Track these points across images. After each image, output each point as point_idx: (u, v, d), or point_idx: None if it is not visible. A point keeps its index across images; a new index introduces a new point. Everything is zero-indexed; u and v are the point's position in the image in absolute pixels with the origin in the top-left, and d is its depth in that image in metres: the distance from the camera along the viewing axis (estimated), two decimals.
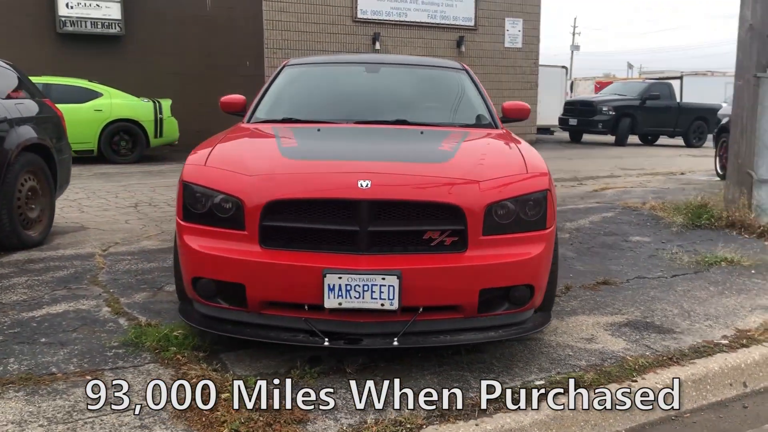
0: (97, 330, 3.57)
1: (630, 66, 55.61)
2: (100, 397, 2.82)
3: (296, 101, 4.61)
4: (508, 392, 2.99)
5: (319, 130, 4.00)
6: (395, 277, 2.93)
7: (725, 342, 3.72)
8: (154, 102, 13.05)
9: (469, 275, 3.05)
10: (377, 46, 17.48)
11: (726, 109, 11.73)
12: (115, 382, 2.94)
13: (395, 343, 3.01)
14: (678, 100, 20.93)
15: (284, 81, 4.72)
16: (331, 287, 2.94)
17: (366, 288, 2.95)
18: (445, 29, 18.57)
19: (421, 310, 3.06)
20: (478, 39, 19.14)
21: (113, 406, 2.75)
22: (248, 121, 4.43)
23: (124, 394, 2.85)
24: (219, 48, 16.71)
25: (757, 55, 6.67)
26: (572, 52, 59.81)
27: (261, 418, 2.67)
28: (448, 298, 3.08)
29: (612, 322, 3.95)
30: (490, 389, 2.99)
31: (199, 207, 3.20)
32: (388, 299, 2.96)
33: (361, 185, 3.01)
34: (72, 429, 2.58)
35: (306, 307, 3.09)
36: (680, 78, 23.85)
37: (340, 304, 2.97)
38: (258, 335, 3.13)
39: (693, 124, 20.50)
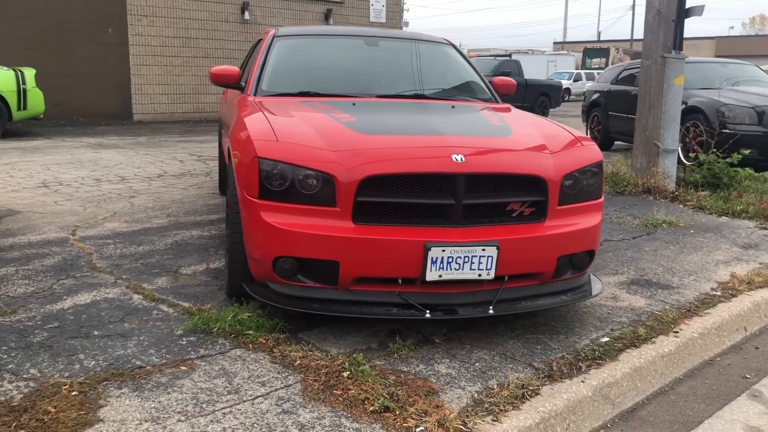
0: (146, 319, 3.33)
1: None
2: (215, 386, 2.69)
3: (307, 74, 4.49)
4: (587, 350, 3.23)
5: (354, 104, 3.95)
6: (494, 247, 3.04)
7: (719, 293, 4.21)
8: (15, 71, 11.78)
9: (552, 243, 3.23)
10: (246, 15, 16.99)
11: (595, 85, 12.80)
12: (217, 371, 2.80)
13: (491, 311, 3.13)
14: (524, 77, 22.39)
15: (283, 53, 4.56)
16: (434, 260, 2.99)
17: (467, 259, 3.03)
18: (313, 1, 18.41)
19: (506, 278, 3.19)
20: (345, 12, 19.19)
21: (239, 394, 2.63)
22: (255, 94, 4.25)
23: (240, 381, 2.73)
24: (75, 11, 15.33)
25: (663, 38, 7.40)
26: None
27: (400, 392, 2.68)
28: (533, 265, 3.24)
29: (619, 282, 4.32)
30: (570, 349, 3.21)
31: (279, 184, 3.09)
32: (486, 269, 3.07)
33: (456, 159, 3.07)
34: (215, 420, 2.45)
35: (400, 281, 3.11)
36: (509, 56, 25.49)
37: (440, 276, 3.03)
38: (351, 311, 3.10)
39: (538, 99, 22.01)
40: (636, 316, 3.73)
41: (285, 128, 3.34)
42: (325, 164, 3.05)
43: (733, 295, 4.21)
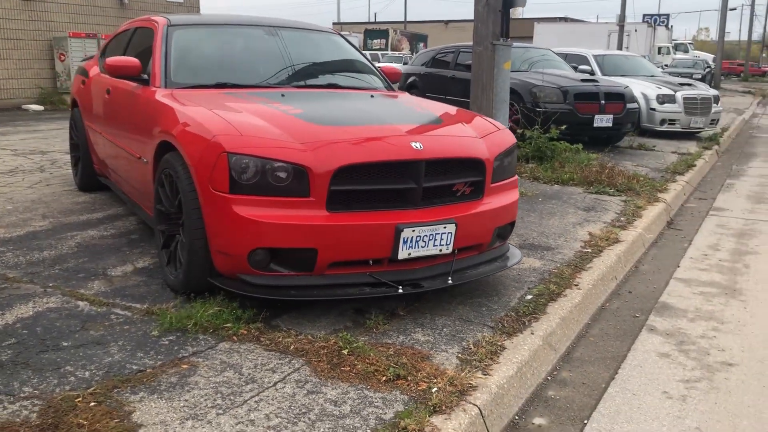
0: (110, 324, 3.23)
1: None
2: (228, 379, 2.76)
3: (217, 65, 4.45)
4: (522, 307, 3.74)
5: (283, 95, 4.05)
6: (453, 224, 3.40)
7: (589, 251, 4.98)
8: None
9: (491, 217, 3.67)
10: None
11: (410, 68, 13.60)
12: (220, 364, 2.87)
13: (450, 281, 3.50)
14: None
15: (184, 43, 4.48)
16: (405, 240, 3.29)
17: (431, 237, 3.37)
18: None
19: (456, 251, 3.58)
20: None
21: (257, 383, 2.74)
22: (165, 86, 4.17)
23: (248, 371, 2.83)
24: None
25: (492, 26, 8.20)
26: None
27: (404, 360, 2.96)
28: (477, 238, 3.66)
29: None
30: (508, 308, 3.70)
31: (250, 178, 3.17)
32: (446, 244, 3.43)
33: (416, 146, 3.37)
34: (253, 408, 2.55)
35: (371, 261, 3.36)
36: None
37: (409, 254, 3.34)
38: (328, 295, 3.29)
39: None
40: (540, 276, 4.32)
41: (242, 122, 3.39)
42: (296, 156, 3.19)
43: (600, 251, 4.99)
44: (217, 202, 3.21)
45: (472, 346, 3.20)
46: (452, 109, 4.36)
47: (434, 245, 3.39)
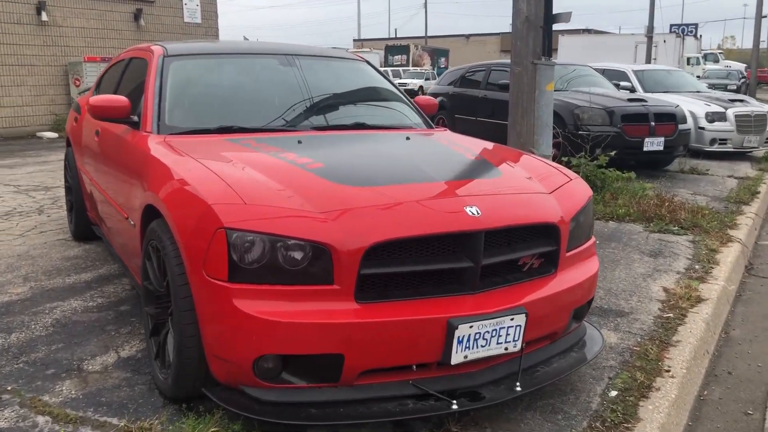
0: None
1: (246, 39, 57.11)
2: None
3: (221, 104, 3.69)
4: (607, 411, 2.90)
5: (300, 141, 3.27)
6: (523, 315, 2.58)
7: (671, 315, 4.11)
8: None
9: (569, 298, 2.85)
10: (44, 17, 14.98)
11: (437, 88, 12.81)
12: None
13: (518, 388, 2.67)
14: None
15: (182, 78, 3.72)
16: (461, 339, 2.48)
17: (494, 333, 2.55)
18: (120, 1, 16.73)
19: (524, 345, 2.75)
20: (157, 12, 17.73)
21: None
22: (158, 132, 3.41)
23: None
24: None
25: (533, 44, 7.39)
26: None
27: None
28: (551, 325, 2.84)
29: None
30: (591, 414, 2.87)
31: (255, 261, 2.39)
32: (513, 341, 2.61)
33: (471, 212, 2.56)
34: None
35: (414, 367, 2.56)
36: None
37: (466, 357, 2.53)
38: (360, 415, 2.48)
39: None
40: (621, 357, 3.48)
41: (247, 183, 2.61)
42: (316, 230, 2.40)
43: (683, 315, 4.13)
44: (213, 294, 2.43)
45: None
46: (508, 152, 3.56)
47: (498, 343, 2.57)
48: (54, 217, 6.44)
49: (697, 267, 5.12)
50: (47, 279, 4.42)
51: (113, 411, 2.76)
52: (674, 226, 6.28)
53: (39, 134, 14.47)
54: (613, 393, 3.08)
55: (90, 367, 3.13)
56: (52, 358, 3.22)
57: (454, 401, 2.52)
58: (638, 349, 3.58)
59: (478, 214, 2.56)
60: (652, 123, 8.88)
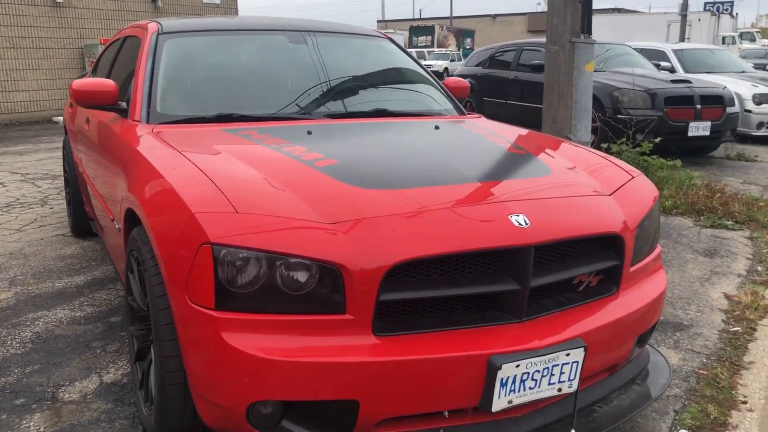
0: None
1: None
2: None
3: (221, 88, 3.21)
4: None
5: (310, 132, 2.77)
6: (581, 349, 2.07)
7: (738, 329, 3.58)
8: None
9: (633, 322, 2.33)
10: None
11: (465, 69, 12.21)
12: None
13: None
14: None
15: (177, 58, 3.24)
16: (504, 381, 1.98)
17: (546, 372, 2.05)
18: None
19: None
20: None
21: None
22: (148, 121, 2.94)
23: None
24: None
25: (571, 21, 6.80)
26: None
27: None
28: (612, 358, 2.33)
29: None
30: None
31: (248, 283, 1.91)
32: (568, 380, 2.10)
33: (518, 222, 2.05)
34: None
35: (446, 413, 2.07)
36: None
37: (510, 402, 2.03)
38: None
39: None
40: (686, 383, 2.96)
41: (240, 187, 2.13)
42: (324, 247, 1.91)
43: (752, 328, 3.60)
44: (197, 324, 1.96)
45: None
46: (553, 143, 3.03)
47: (550, 384, 2.07)
48: (57, 209, 6.05)
49: (759, 269, 4.56)
50: (36, 283, 4.00)
51: None
52: (728, 220, 5.70)
53: (55, 119, 14.15)
54: None
55: (66, 396, 2.69)
56: (24, 384, 2.78)
57: None
58: (705, 373, 3.07)
59: (526, 224, 2.05)
60: (698, 106, 8.24)
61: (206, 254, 1.92)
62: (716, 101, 8.41)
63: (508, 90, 10.40)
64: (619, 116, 8.01)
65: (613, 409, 2.34)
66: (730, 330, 3.55)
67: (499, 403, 2.00)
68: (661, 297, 2.48)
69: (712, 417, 2.67)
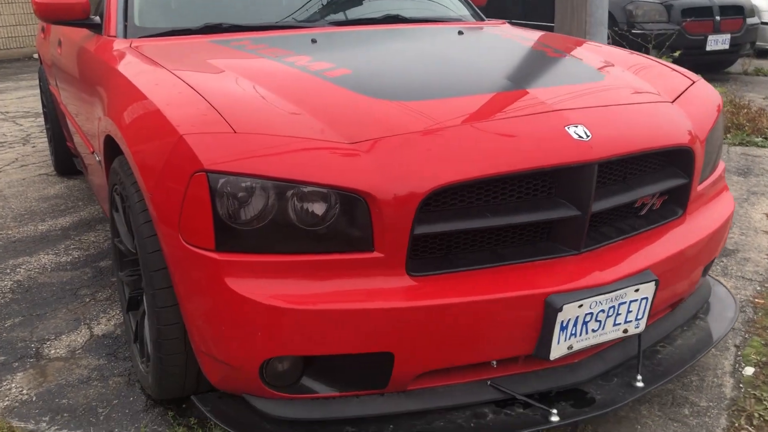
0: None
1: None
2: None
3: None
4: (748, 399, 2.11)
5: (314, 40, 2.37)
6: (652, 283, 1.75)
7: None
8: None
9: (702, 250, 2.00)
10: None
11: None
12: None
13: (639, 383, 1.87)
14: None
15: None
16: (565, 324, 1.66)
17: (612, 311, 1.72)
18: None
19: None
20: None
21: None
22: (125, 35, 2.54)
23: None
24: None
25: None
26: None
27: None
28: (680, 290, 2.01)
29: None
30: (726, 404, 2.08)
31: (254, 219, 1.56)
32: (636, 320, 1.79)
33: (578, 135, 1.69)
34: None
35: (494, 363, 1.76)
36: None
37: (570, 348, 1.71)
38: None
39: None
40: (743, 313, 2.67)
41: (237, 103, 1.76)
42: (345, 172, 1.56)
43: None
44: (195, 268, 1.63)
45: None
46: (598, 47, 2.63)
47: (615, 325, 1.76)
48: (39, 147, 5.65)
49: None
50: (18, 225, 3.65)
51: (76, 420, 2.02)
52: (757, 137, 5.34)
53: (36, 55, 13.52)
54: (749, 370, 2.29)
55: (52, 352, 2.38)
56: (3, 340, 2.47)
57: (554, 410, 1.73)
58: (762, 302, 2.77)
59: (587, 136, 1.70)
60: (717, 17, 7.74)
61: (201, 184, 1.57)
62: (736, 12, 7.90)
63: (508, 6, 9.83)
64: (634, 31, 7.52)
65: (678, 350, 2.04)
66: None
67: (558, 349, 1.69)
68: (729, 221, 2.15)
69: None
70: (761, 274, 3.03)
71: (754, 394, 2.15)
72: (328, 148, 1.60)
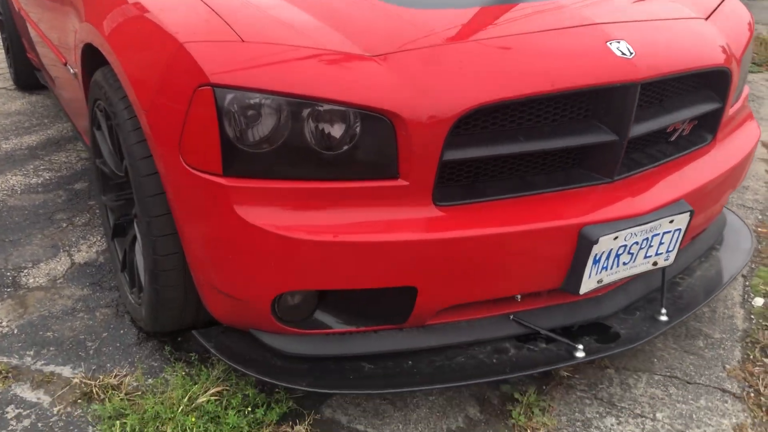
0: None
1: None
2: None
3: None
4: (762, 334, 2.07)
5: None
6: (687, 214, 1.65)
7: None
8: None
9: (730, 178, 1.91)
10: None
11: None
12: None
13: (663, 317, 1.80)
14: None
15: None
16: (598, 257, 1.56)
17: (644, 243, 1.63)
18: None
19: None
20: None
21: None
22: None
23: None
24: None
25: None
26: None
27: None
28: (706, 220, 1.93)
29: None
30: (736, 337, 2.05)
31: (265, 139, 1.40)
32: (666, 252, 1.70)
33: (620, 51, 1.54)
34: None
35: (519, 297, 1.67)
36: None
37: (600, 281, 1.62)
38: (438, 373, 1.61)
39: None
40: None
41: (244, 9, 1.56)
42: (368, 88, 1.40)
43: None
44: (200, 194, 1.47)
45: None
46: None
47: (646, 257, 1.67)
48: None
49: None
50: None
51: (64, 354, 1.88)
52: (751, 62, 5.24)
53: None
54: (759, 301, 2.25)
55: (31, 281, 2.22)
56: None
57: (579, 346, 1.65)
58: (765, 231, 2.72)
59: (630, 54, 1.55)
60: None
61: (206, 101, 1.39)
62: None
63: None
64: None
65: (699, 282, 1.98)
66: None
67: (588, 283, 1.59)
68: (755, 148, 2.05)
69: None
70: (761, 203, 2.98)
71: (766, 326, 2.11)
72: (349, 60, 1.43)
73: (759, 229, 2.74)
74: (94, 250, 2.39)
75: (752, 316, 2.16)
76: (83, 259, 2.33)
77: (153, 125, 1.52)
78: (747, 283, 2.35)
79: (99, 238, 2.46)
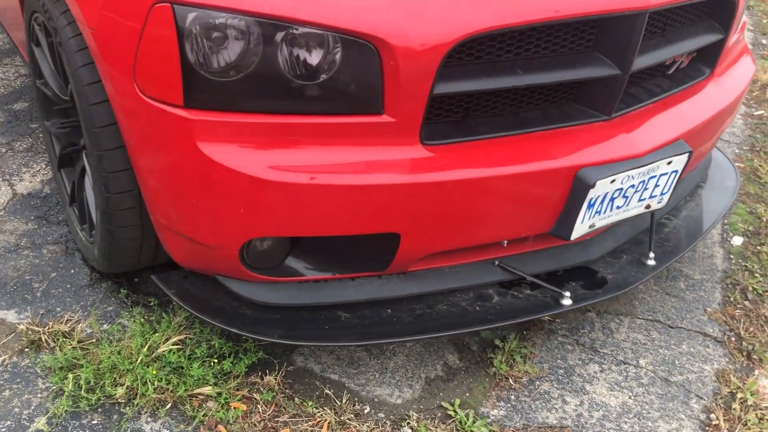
0: None
1: None
2: None
3: None
4: (742, 275, 2.04)
5: None
6: (685, 155, 1.55)
7: (762, 111, 3.17)
8: None
9: (725, 115, 1.80)
10: None
11: None
12: None
13: (651, 261, 1.73)
14: None
15: None
16: (593, 201, 1.45)
17: (640, 186, 1.53)
18: None
19: None
20: None
21: None
22: None
23: None
24: None
25: None
26: None
27: None
28: (698, 159, 1.84)
29: None
30: (716, 279, 2.01)
31: (232, 66, 1.23)
32: (660, 194, 1.61)
33: None
34: None
35: (506, 242, 1.56)
36: None
37: (592, 226, 1.53)
38: (419, 323, 1.51)
39: None
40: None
41: None
42: (350, 9, 1.22)
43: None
44: (158, 128, 1.30)
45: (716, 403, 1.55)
46: None
47: (640, 200, 1.57)
48: None
49: (764, 41, 4.09)
50: None
51: (8, 297, 1.72)
52: None
53: None
54: (737, 240, 2.21)
55: None
56: None
57: (566, 293, 1.57)
58: (742, 165, 2.67)
59: None
60: None
61: (163, 18, 1.20)
62: None
63: None
64: None
65: (685, 223, 1.90)
66: (754, 114, 3.13)
67: (580, 228, 1.49)
68: (749, 83, 1.94)
69: (765, 219, 2.30)
70: (737, 136, 2.92)
71: (746, 266, 2.07)
72: None
73: (737, 164, 2.68)
74: (38, 180, 2.19)
75: (731, 256, 2.12)
76: (26, 190, 2.13)
77: (101, 46, 1.32)
78: (726, 221, 2.30)
79: (44, 166, 2.25)
